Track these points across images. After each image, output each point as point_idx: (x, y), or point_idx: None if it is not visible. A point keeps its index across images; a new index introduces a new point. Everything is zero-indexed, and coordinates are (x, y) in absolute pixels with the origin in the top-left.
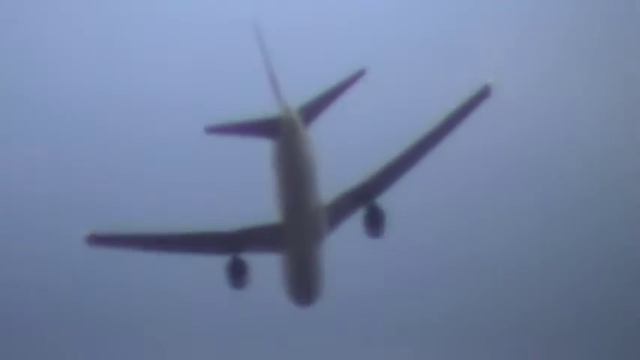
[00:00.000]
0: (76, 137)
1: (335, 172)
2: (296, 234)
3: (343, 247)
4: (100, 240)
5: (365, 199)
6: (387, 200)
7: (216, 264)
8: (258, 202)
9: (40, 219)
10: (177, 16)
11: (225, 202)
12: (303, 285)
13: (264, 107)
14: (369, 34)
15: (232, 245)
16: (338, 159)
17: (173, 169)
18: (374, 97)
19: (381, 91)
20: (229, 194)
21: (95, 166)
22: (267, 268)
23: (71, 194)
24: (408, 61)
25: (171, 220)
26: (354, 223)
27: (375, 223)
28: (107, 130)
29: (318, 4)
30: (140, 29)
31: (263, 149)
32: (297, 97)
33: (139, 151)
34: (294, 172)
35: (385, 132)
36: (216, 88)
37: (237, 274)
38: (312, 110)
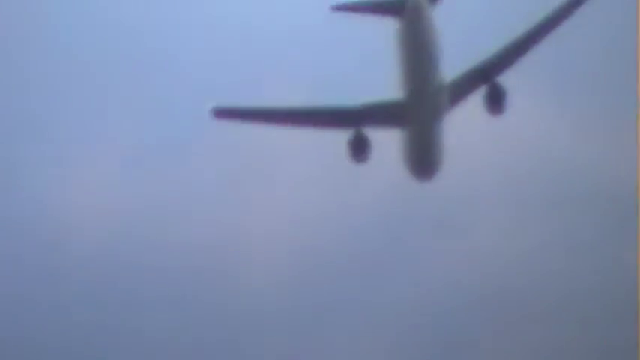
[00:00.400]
0: None
1: (457, 52)
2: (418, 111)
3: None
4: (226, 113)
5: (486, 78)
6: (508, 78)
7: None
8: (382, 80)
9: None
10: None
11: (349, 79)
12: (424, 160)
13: None
14: None
15: (356, 120)
16: (460, 38)
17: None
18: None
19: None
20: (354, 72)
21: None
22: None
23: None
24: None
25: (295, 95)
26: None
27: (496, 100)
28: None
29: None
30: None
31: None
32: None
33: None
34: (417, 50)
35: (507, 14)
36: None
37: (360, 148)
38: None
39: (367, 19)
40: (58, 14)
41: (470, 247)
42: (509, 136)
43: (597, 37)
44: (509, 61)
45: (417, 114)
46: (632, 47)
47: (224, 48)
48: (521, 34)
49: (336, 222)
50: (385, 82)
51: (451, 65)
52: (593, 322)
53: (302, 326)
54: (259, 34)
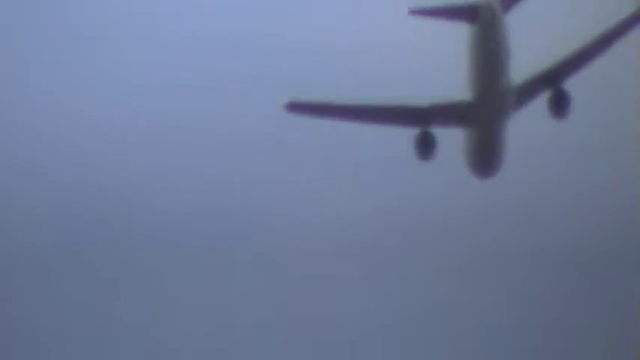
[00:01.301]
0: None
1: (526, 57)
2: (485, 112)
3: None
4: (299, 107)
5: (551, 83)
6: (572, 84)
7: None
8: (449, 81)
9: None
10: None
11: (417, 79)
12: (487, 158)
13: None
14: None
15: (423, 119)
16: (530, 44)
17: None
18: None
19: None
20: (423, 73)
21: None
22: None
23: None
24: None
25: (364, 93)
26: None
27: (560, 104)
28: None
29: None
30: None
31: (458, 33)
32: None
33: None
34: (489, 55)
35: (574, 25)
36: None
37: (426, 146)
38: (511, 0)
39: (442, 23)
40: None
41: None
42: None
43: None
44: (575, 67)
45: (483, 115)
46: None
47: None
48: (587, 43)
49: (398, 218)
50: (454, 83)
51: (519, 68)
52: None
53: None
54: (339, 35)
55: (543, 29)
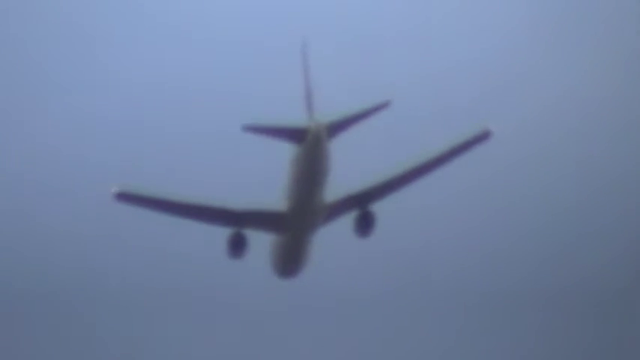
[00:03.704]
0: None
1: (341, 178)
2: (297, 223)
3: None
4: (126, 198)
5: (361, 204)
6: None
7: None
8: (265, 188)
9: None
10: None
11: (239, 183)
12: (292, 262)
13: (291, 115)
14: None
15: (238, 221)
16: (347, 167)
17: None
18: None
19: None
20: (243, 177)
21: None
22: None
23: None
24: (431, 94)
25: (189, 190)
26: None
27: (365, 224)
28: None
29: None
30: (191, 33)
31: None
32: (328, 108)
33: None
34: (311, 175)
35: (392, 154)
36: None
37: (238, 246)
38: (337, 127)
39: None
40: None
41: None
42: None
43: None
44: (385, 193)
45: (295, 225)
46: None
47: None
48: (398, 173)
49: None
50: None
51: (334, 189)
52: None
53: None
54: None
55: (362, 157)
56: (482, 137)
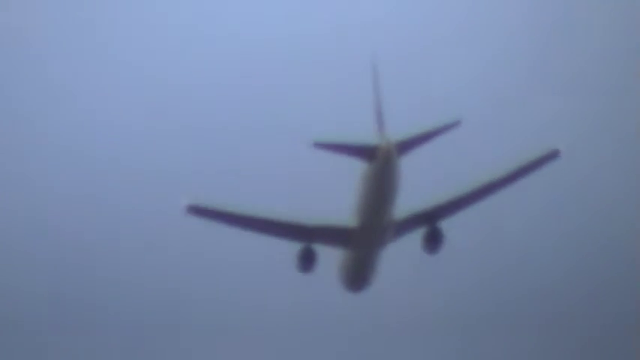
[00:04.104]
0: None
1: (410, 195)
2: (366, 239)
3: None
4: (199, 211)
5: (429, 221)
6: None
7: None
8: (336, 204)
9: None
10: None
11: (309, 199)
12: (359, 277)
13: (362, 133)
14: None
15: (308, 236)
16: (416, 184)
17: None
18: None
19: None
20: (314, 193)
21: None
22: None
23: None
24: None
25: (259, 205)
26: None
27: (433, 241)
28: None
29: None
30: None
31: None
32: (398, 124)
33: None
34: (380, 192)
35: (461, 171)
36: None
37: (307, 260)
38: (407, 146)
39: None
40: None
41: None
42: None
43: None
44: (452, 211)
45: (364, 241)
46: None
47: None
48: (466, 192)
49: None
50: (342, 209)
51: (404, 205)
52: None
53: None
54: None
55: (431, 174)
56: (550, 156)
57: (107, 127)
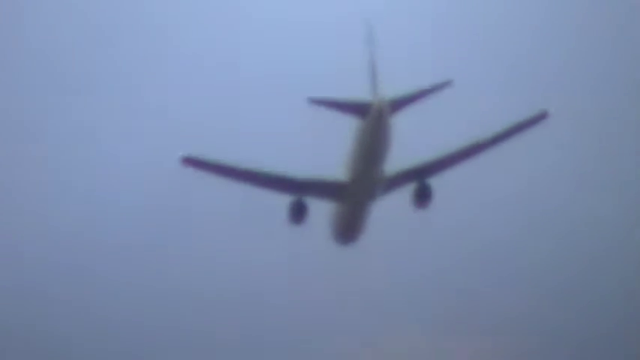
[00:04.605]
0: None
1: (401, 151)
2: (357, 194)
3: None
4: (194, 163)
5: (419, 178)
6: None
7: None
8: (329, 160)
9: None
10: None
11: (303, 154)
12: (350, 230)
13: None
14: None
15: (300, 190)
16: (407, 141)
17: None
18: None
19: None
20: (307, 148)
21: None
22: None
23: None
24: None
25: (255, 159)
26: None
27: (422, 197)
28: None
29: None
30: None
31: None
32: (392, 84)
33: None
34: (372, 148)
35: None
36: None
37: (299, 213)
38: (400, 104)
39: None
40: None
41: None
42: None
43: None
44: (441, 168)
45: (355, 195)
46: None
47: None
48: (456, 150)
49: None
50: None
51: (395, 162)
52: None
53: None
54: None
55: (422, 133)
56: (539, 118)
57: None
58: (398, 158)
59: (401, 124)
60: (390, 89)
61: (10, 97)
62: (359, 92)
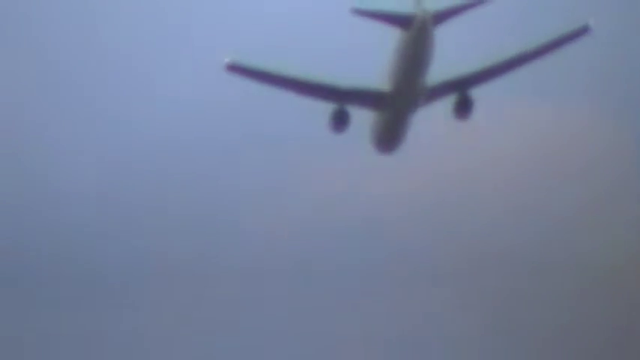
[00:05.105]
0: None
1: (444, 62)
2: (399, 103)
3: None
4: (238, 69)
5: (460, 89)
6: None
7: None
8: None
9: None
10: None
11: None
12: (391, 139)
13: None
14: None
15: (342, 98)
16: (451, 52)
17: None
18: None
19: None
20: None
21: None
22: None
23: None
24: None
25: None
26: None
27: (464, 108)
28: None
29: None
30: None
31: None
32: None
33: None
34: (414, 60)
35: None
36: None
37: (341, 121)
38: (443, 16)
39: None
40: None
41: None
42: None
43: None
44: (482, 80)
45: (396, 105)
46: None
47: None
48: (495, 63)
49: None
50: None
51: (437, 72)
52: None
53: None
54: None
55: (465, 45)
56: (581, 32)
57: None
58: (440, 70)
59: (444, 36)
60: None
61: None
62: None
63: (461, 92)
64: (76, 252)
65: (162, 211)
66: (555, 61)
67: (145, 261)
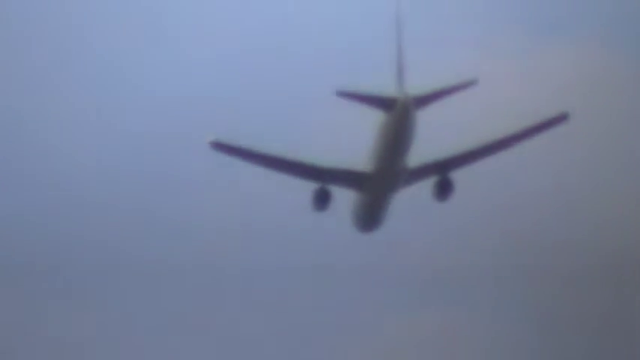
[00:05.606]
0: None
1: (425, 145)
2: (379, 185)
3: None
4: (222, 147)
5: (440, 171)
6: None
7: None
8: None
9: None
10: None
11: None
12: (371, 219)
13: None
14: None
15: (324, 177)
16: (431, 136)
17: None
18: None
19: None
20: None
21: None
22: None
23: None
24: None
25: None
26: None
27: (444, 190)
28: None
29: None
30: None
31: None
32: (417, 81)
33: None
34: (396, 142)
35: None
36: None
37: (322, 200)
38: (425, 100)
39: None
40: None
41: None
42: None
43: None
44: (462, 163)
45: (377, 186)
46: None
47: None
48: (478, 146)
49: None
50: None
51: (417, 155)
52: None
53: None
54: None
55: (446, 128)
56: (559, 120)
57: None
58: (421, 151)
59: (425, 118)
60: (418, 80)
61: None
62: (387, 81)
63: (441, 174)
64: (76, 252)
65: (162, 211)
66: None
67: (138, 261)
